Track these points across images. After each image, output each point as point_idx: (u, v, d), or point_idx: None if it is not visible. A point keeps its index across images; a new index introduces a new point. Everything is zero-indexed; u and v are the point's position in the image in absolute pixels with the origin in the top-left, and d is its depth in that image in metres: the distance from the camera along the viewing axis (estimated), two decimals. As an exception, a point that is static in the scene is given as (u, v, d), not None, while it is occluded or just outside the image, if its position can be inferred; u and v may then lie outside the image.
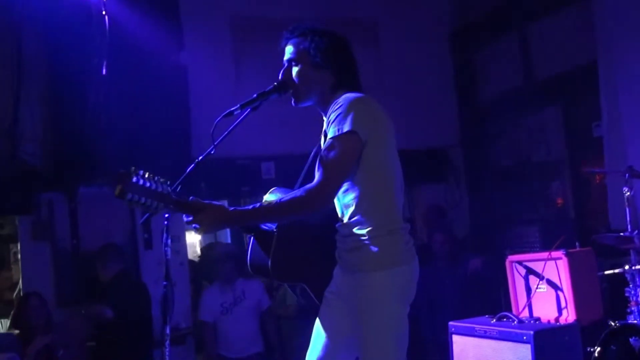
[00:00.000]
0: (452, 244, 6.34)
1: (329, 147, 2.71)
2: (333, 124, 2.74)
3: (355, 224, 2.79)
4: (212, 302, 5.94)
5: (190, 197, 2.76)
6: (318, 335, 2.95)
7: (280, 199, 2.74)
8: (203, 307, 6.00)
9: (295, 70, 2.94)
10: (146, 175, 2.59)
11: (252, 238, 2.94)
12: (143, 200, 2.57)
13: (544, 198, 7.23)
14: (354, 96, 2.80)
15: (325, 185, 2.70)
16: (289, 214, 2.77)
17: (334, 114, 2.76)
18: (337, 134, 2.71)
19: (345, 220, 2.83)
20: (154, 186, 2.61)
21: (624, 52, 5.94)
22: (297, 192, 2.72)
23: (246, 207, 2.78)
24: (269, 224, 2.88)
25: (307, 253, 2.92)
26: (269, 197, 2.97)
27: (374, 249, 2.74)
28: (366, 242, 2.75)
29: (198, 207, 2.73)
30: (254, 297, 5.99)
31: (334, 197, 2.77)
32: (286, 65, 2.99)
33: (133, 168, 2.56)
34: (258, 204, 2.77)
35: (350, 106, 2.73)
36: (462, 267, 6.15)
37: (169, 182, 2.67)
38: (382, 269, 2.74)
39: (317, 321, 2.97)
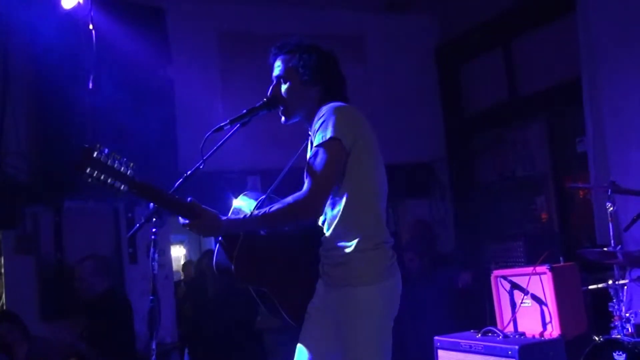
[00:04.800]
0: (424, 261, 6.36)
1: (315, 155, 2.72)
2: (318, 132, 2.75)
3: (341, 237, 2.78)
4: None
5: (189, 198, 2.77)
6: (301, 352, 2.92)
7: (269, 208, 2.72)
8: None
9: (284, 87, 2.96)
10: (111, 154, 2.53)
11: (219, 237, 2.90)
12: (103, 177, 2.51)
13: (529, 213, 7.27)
14: (336, 104, 2.82)
15: (314, 194, 2.68)
16: (279, 222, 2.78)
17: (317, 122, 2.77)
18: (321, 141, 2.71)
19: (330, 233, 2.82)
20: (117, 166, 2.55)
21: (608, 68, 6.00)
22: (286, 202, 2.70)
23: (237, 217, 2.79)
24: None
25: (274, 259, 2.87)
26: (239, 201, 2.98)
27: (361, 263, 2.74)
28: (352, 256, 2.74)
29: (196, 212, 2.75)
30: None
31: (324, 206, 2.75)
32: (275, 81, 3.00)
33: (98, 145, 2.51)
34: (249, 214, 2.77)
35: (333, 114, 2.75)
36: (443, 281, 6.14)
37: (134, 167, 2.62)
38: (369, 283, 2.73)
39: (301, 337, 2.95)
